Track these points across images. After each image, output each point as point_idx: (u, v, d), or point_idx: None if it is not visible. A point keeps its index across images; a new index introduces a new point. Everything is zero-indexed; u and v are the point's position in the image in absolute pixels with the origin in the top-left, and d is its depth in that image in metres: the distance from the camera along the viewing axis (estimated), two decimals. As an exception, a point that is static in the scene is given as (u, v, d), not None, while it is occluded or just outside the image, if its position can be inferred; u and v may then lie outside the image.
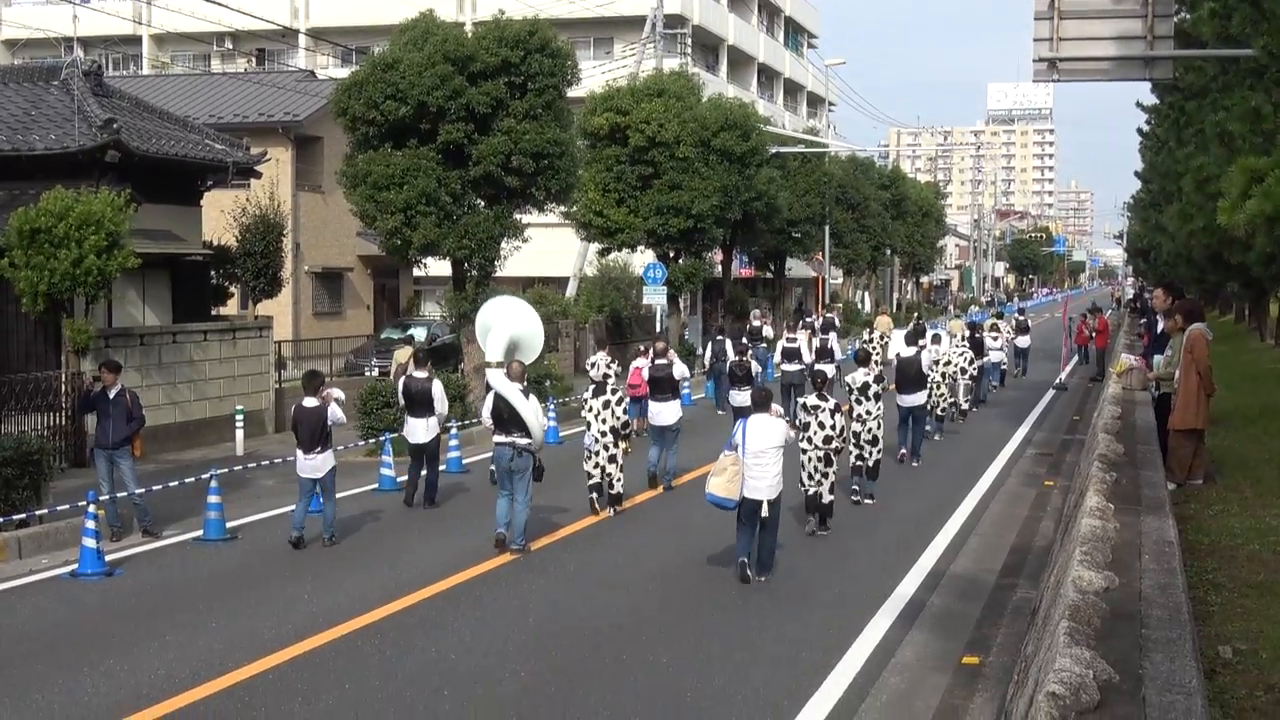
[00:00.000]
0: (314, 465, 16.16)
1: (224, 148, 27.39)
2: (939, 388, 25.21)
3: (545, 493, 17.23)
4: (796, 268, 63.90)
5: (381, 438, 21.29)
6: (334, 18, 64.37)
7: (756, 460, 13.55)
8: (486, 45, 26.64)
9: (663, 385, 20.61)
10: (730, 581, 13.70)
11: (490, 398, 15.96)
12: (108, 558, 14.80)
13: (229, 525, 16.64)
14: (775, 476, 13.66)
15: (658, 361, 21.18)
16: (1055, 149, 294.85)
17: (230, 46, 63.48)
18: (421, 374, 19.29)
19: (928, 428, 23.90)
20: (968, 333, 31.80)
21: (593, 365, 25.09)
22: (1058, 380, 36.86)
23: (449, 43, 26.46)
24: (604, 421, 17.73)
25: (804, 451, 15.93)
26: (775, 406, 14.29)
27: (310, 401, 16.32)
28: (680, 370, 21.36)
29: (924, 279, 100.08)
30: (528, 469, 15.59)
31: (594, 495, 17.79)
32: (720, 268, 50.14)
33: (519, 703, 9.90)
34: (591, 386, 18.91)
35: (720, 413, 28.70)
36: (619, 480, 17.89)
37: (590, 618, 12.34)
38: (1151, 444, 15.72)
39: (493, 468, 17.05)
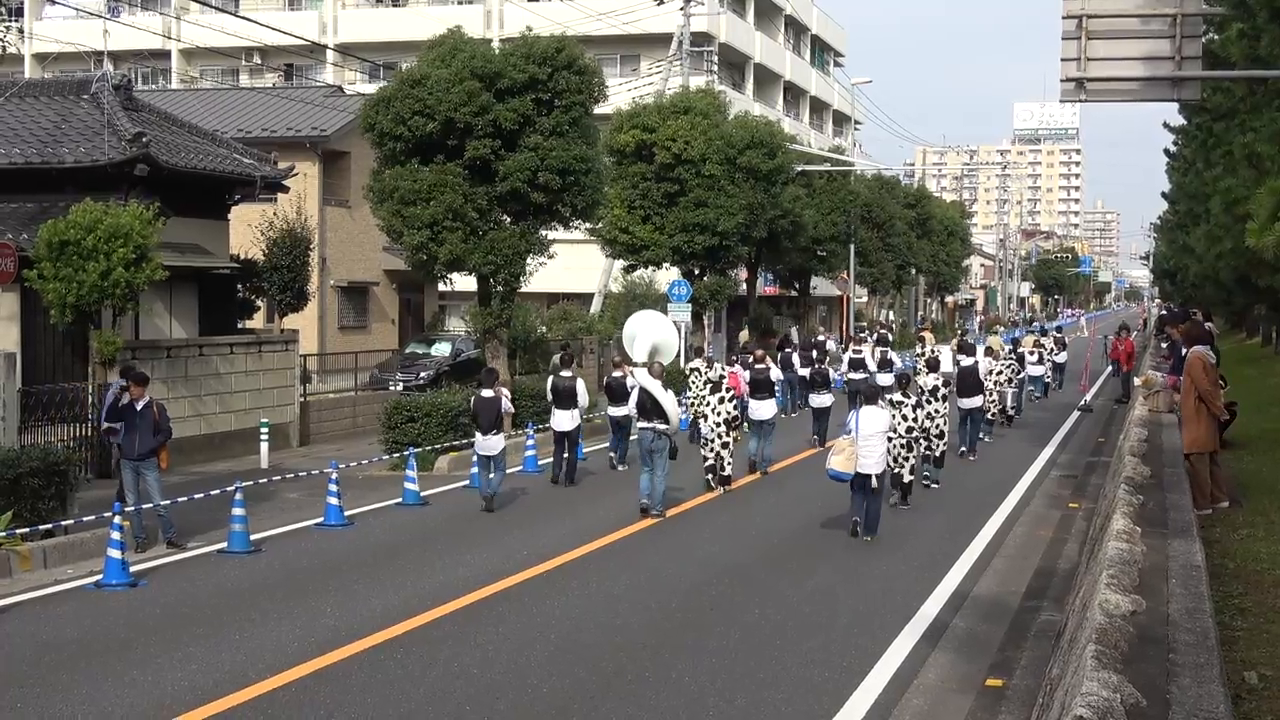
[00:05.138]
0: (490, 445, 19.42)
1: (252, 162, 27.55)
2: (990, 395, 28.08)
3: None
4: (821, 286, 63.89)
5: (406, 452, 21.31)
6: (362, 33, 64.73)
7: (866, 442, 16.75)
8: (514, 62, 26.70)
9: (761, 386, 24.06)
10: (755, 597, 13.69)
11: (636, 391, 19.41)
12: (132, 569, 14.86)
13: (253, 538, 16.66)
14: (881, 455, 16.99)
15: (757, 367, 24.50)
16: (1081, 169, 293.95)
17: (259, 61, 63.84)
18: (567, 373, 22.78)
19: (981, 431, 26.91)
20: (1010, 348, 34.80)
21: (696, 369, 27.50)
22: (1083, 402, 36.72)
23: (477, 59, 26.53)
24: (719, 415, 20.80)
25: (889, 439, 17.83)
26: (880, 401, 17.70)
27: (487, 393, 19.71)
28: (776, 374, 25.31)
29: (949, 298, 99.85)
30: (665, 449, 18.81)
31: (709, 476, 21.04)
32: (745, 285, 50.15)
33: (542, 719, 9.89)
34: (709, 384, 22.20)
35: (791, 415, 33.01)
36: (729, 463, 21.06)
37: (613, 634, 12.33)
38: (1178, 467, 15.69)
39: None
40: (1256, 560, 12.64)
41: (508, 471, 20.54)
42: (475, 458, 20.65)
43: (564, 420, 22.26)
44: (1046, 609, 13.15)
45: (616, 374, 24.36)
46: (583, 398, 22.47)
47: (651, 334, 21.43)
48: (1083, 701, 6.31)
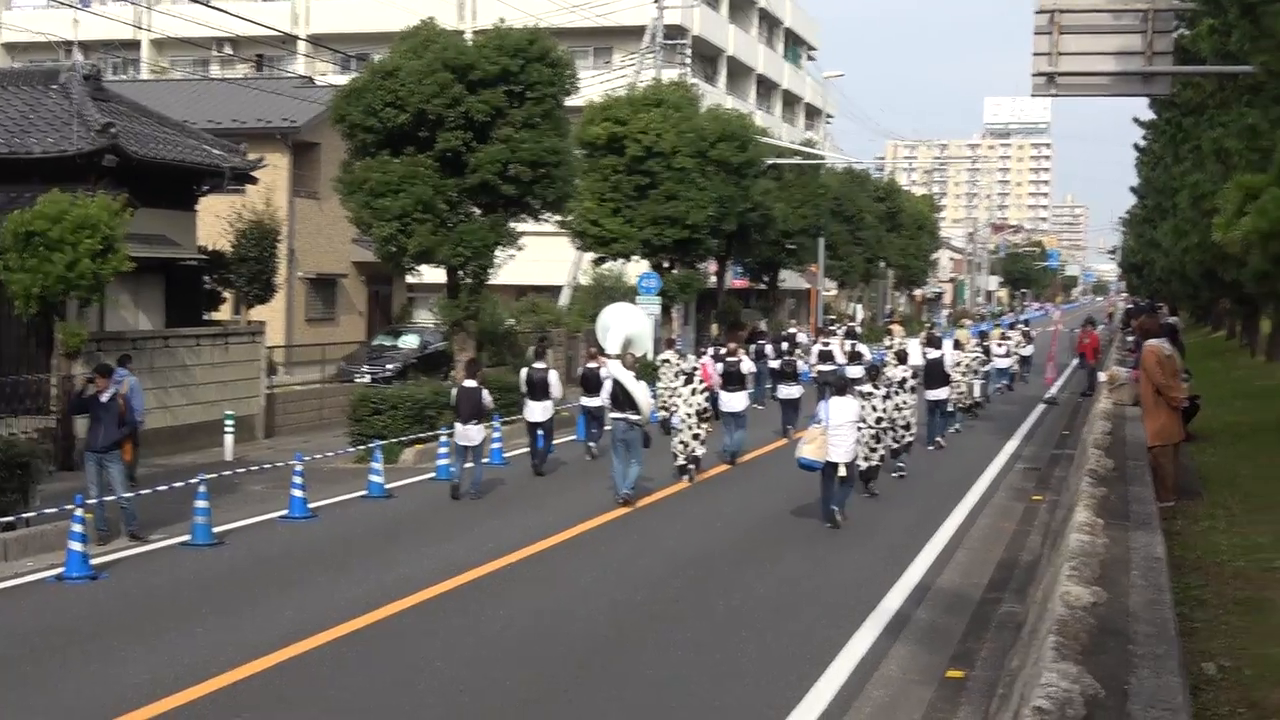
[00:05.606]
0: (470, 435, 19.65)
1: (221, 153, 27.40)
2: (959, 387, 28.61)
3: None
4: (790, 279, 63.96)
5: (371, 445, 21.24)
6: (334, 24, 64.42)
7: (836, 432, 17.02)
8: (486, 54, 26.65)
9: (732, 378, 24.15)
10: (721, 588, 13.71)
11: (609, 383, 20.08)
12: (94, 561, 14.77)
13: (216, 530, 16.59)
14: (850, 444, 17.25)
15: (729, 359, 24.66)
16: (1051, 163, 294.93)
17: (229, 52, 63.44)
18: (541, 365, 23.18)
19: (955, 423, 27.78)
20: (977, 340, 35.15)
21: (667, 360, 27.60)
22: (1048, 394, 36.90)
23: (449, 51, 26.47)
24: (690, 405, 21.15)
25: (858, 429, 18.07)
26: (850, 392, 17.96)
27: (469, 383, 20.06)
28: (747, 366, 25.52)
29: (917, 292, 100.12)
30: (638, 439, 19.10)
31: (679, 465, 21.30)
32: (714, 278, 50.14)
33: (505, 711, 9.89)
34: (681, 376, 22.74)
35: (758, 407, 31.38)
36: (700, 451, 21.34)
37: (579, 626, 12.32)
38: (1141, 460, 15.76)
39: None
40: (1217, 552, 12.74)
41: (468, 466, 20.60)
42: (446, 448, 20.81)
43: (536, 411, 22.48)
44: (1008, 601, 13.20)
45: (591, 365, 24.65)
46: (556, 389, 22.68)
47: (625, 326, 21.92)
48: (1042, 692, 6.32)
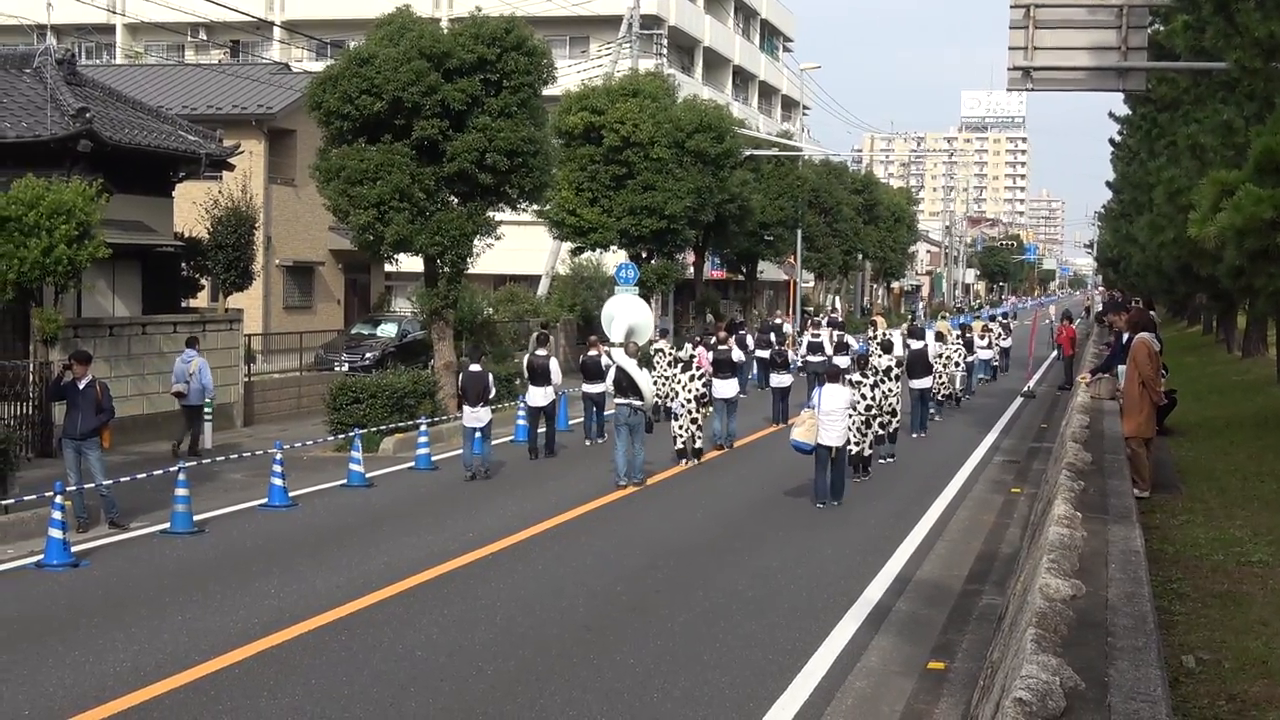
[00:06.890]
0: (477, 416, 20.60)
1: (197, 139, 27.29)
2: (940, 377, 29.62)
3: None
4: (768, 270, 64.05)
5: (351, 433, 21.22)
6: (309, 11, 64.22)
7: (827, 416, 17.85)
8: (463, 42, 26.58)
9: (724, 366, 25.21)
10: (698, 580, 13.74)
11: (613, 370, 20.93)
12: (74, 549, 14.73)
13: (196, 518, 16.57)
14: (842, 429, 18.13)
15: (720, 347, 25.91)
16: (1027, 157, 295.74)
17: (204, 37, 63.21)
18: (542, 352, 23.87)
19: (931, 409, 28.29)
20: (959, 333, 35.61)
21: (661, 349, 28.75)
22: (1026, 388, 37.04)
23: (425, 39, 26.40)
24: (689, 391, 21.90)
25: (849, 416, 18.82)
26: (842, 380, 18.88)
27: (475, 368, 21.29)
28: (738, 355, 26.61)
29: (895, 284, 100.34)
30: (641, 424, 19.97)
31: (678, 449, 22.13)
32: (692, 269, 50.20)
33: (486, 701, 9.90)
34: (680, 364, 23.24)
35: (743, 395, 31.14)
36: (699, 438, 22.33)
37: (559, 616, 12.34)
38: (1119, 453, 15.84)
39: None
40: (1195, 546, 12.82)
41: (447, 455, 20.80)
42: (425, 438, 21.65)
43: (538, 396, 23.32)
44: (988, 593, 13.28)
45: (591, 353, 25.27)
46: (556, 375, 23.39)
47: (628, 316, 22.75)
48: (1022, 684, 6.37)
